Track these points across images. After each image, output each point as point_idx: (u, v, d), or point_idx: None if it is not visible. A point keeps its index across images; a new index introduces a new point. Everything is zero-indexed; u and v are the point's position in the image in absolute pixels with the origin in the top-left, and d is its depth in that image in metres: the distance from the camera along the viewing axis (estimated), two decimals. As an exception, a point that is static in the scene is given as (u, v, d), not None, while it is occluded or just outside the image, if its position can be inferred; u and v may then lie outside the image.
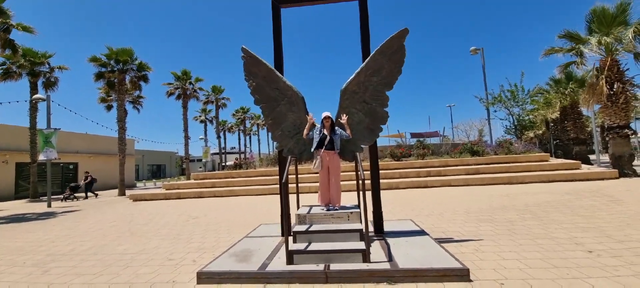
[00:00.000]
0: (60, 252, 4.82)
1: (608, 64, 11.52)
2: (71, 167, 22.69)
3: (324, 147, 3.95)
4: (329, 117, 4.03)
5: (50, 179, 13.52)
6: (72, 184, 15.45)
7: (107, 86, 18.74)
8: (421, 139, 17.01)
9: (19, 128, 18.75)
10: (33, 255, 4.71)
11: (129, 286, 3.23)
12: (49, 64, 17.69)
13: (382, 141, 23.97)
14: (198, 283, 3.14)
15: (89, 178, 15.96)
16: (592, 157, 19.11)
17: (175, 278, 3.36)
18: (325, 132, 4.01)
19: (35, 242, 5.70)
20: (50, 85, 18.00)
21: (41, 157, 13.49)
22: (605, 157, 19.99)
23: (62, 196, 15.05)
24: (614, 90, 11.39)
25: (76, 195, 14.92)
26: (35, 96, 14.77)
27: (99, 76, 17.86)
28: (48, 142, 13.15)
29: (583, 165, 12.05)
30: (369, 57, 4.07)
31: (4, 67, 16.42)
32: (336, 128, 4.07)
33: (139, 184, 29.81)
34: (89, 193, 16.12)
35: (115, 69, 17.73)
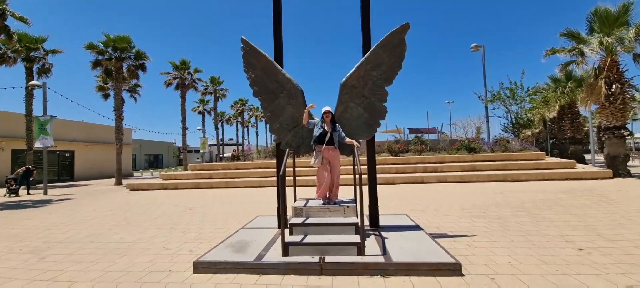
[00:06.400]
0: (57, 240, 4.83)
1: (608, 64, 11.54)
2: (67, 155, 22.57)
3: (324, 143, 3.96)
4: (329, 112, 4.00)
5: (47, 167, 13.47)
6: (12, 175, 12.96)
7: (105, 74, 18.54)
8: (419, 135, 17.04)
9: (15, 114, 18.58)
10: (30, 242, 4.72)
11: (126, 274, 3.25)
12: (43, 48, 17.47)
13: (379, 136, 23.97)
14: (194, 272, 3.18)
15: (34, 171, 13.50)
16: (587, 156, 19.27)
17: (171, 268, 3.39)
18: (326, 127, 4.00)
19: (31, 229, 5.71)
20: (45, 71, 17.79)
21: (37, 145, 13.42)
22: (601, 157, 20.16)
23: (7, 189, 12.22)
24: (613, 90, 11.43)
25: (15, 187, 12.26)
26: (31, 82, 14.63)
27: (96, 64, 17.66)
28: (43, 130, 13.07)
29: (578, 165, 12.15)
30: (369, 51, 4.06)
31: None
32: (337, 125, 4.06)
33: (136, 174, 29.76)
34: (23, 187, 12.99)
35: (113, 56, 17.52)
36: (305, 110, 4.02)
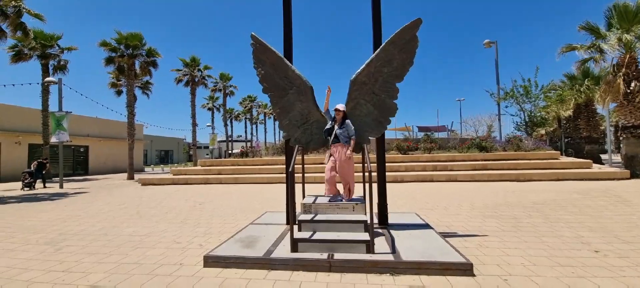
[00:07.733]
0: (72, 232, 4.96)
1: (626, 61, 11.16)
2: (82, 150, 23.15)
3: (331, 140, 3.96)
4: (339, 110, 3.97)
5: (62, 161, 13.84)
6: (28, 169, 13.20)
7: (117, 71, 18.94)
8: (429, 133, 16.85)
9: (31, 110, 19.12)
10: (45, 234, 4.86)
11: (138, 266, 3.32)
12: (58, 45, 17.92)
13: (389, 134, 23.75)
14: (204, 266, 3.21)
15: (46, 164, 13.73)
16: (604, 156, 18.71)
17: (182, 261, 3.44)
18: (336, 124, 3.99)
19: (47, 221, 5.88)
20: (60, 68, 18.29)
21: (53, 139, 13.80)
22: (618, 157, 19.54)
23: (23, 183, 12.44)
24: (631, 88, 11.06)
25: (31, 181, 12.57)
26: (47, 79, 15.04)
27: (109, 61, 18.02)
28: (60, 125, 13.43)
29: (594, 165, 11.81)
30: (380, 48, 4.01)
31: (16, 49, 16.68)
32: (347, 121, 4.02)
33: (147, 169, 30.34)
34: (39, 180, 13.32)
35: (125, 54, 17.84)
36: (327, 93, 4.18)
